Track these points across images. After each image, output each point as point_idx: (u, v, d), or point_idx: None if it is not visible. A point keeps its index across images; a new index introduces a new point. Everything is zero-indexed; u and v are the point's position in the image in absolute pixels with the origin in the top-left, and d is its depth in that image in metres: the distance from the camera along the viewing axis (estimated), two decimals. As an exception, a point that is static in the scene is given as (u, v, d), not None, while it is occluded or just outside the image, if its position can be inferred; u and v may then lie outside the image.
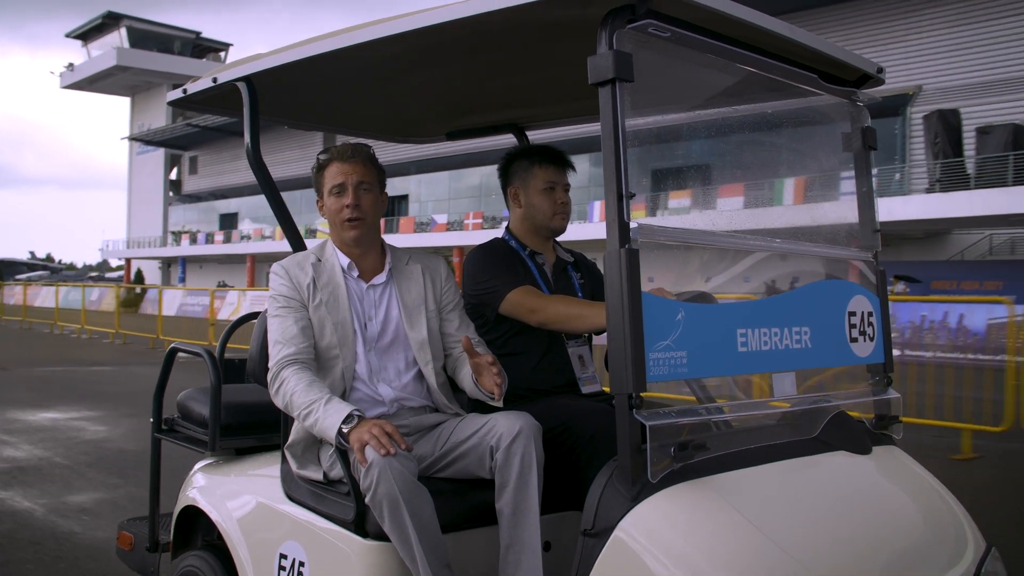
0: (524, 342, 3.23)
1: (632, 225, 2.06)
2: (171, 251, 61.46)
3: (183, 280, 59.82)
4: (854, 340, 2.67)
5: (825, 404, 2.59)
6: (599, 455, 2.76)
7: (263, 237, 51.38)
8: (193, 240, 59.52)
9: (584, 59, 2.09)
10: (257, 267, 52.21)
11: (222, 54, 75.88)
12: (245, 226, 57.07)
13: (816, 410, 2.55)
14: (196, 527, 3.48)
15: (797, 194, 2.78)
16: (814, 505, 2.27)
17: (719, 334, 2.26)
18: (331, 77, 3.26)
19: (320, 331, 2.85)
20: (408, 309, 2.95)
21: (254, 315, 4.33)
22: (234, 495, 3.16)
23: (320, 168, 2.97)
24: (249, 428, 3.38)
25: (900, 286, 19.91)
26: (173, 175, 70.32)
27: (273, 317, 2.86)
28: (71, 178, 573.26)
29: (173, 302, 32.07)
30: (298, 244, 3.13)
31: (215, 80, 3.19)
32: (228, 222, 61.30)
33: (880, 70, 2.76)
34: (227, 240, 55.46)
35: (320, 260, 2.95)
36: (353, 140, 3.16)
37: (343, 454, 2.67)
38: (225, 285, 47.19)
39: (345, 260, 2.95)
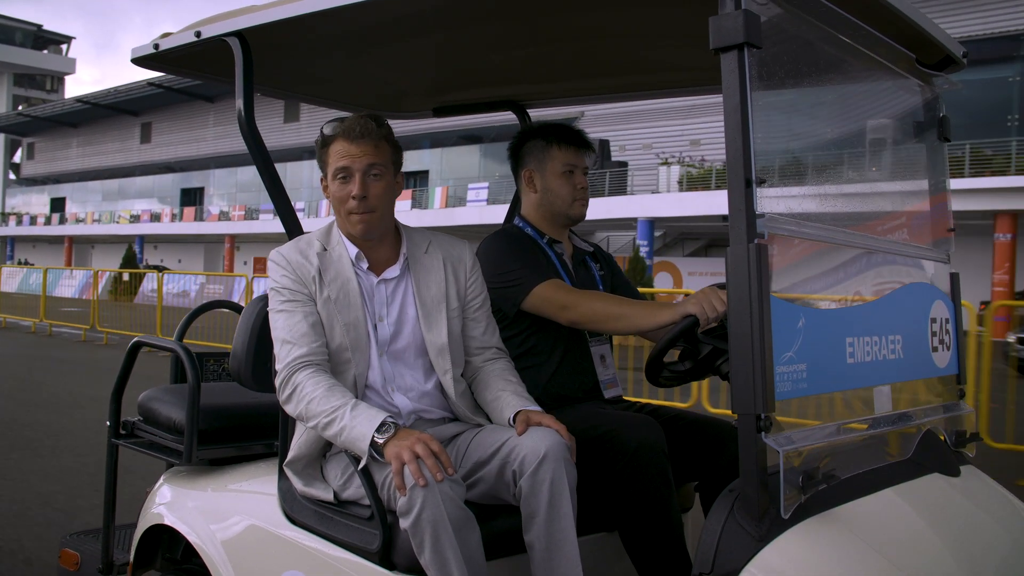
0: (544, 340, 2.89)
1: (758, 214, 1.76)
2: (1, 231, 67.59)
3: (11, 259, 64.65)
4: (934, 349, 2.43)
5: (910, 422, 2.34)
6: (642, 471, 2.46)
7: (77, 220, 57.91)
8: (19, 221, 65.09)
9: (607, 32, 1.79)
10: (76, 248, 59.49)
11: (63, 46, 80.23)
12: (70, 210, 63.29)
13: (905, 428, 2.30)
14: (157, 547, 3.04)
15: (876, 185, 2.51)
16: (937, 537, 2.00)
17: (831, 343, 1.97)
18: (322, 40, 2.87)
19: (329, 331, 2.45)
20: (426, 307, 2.53)
21: (214, 304, 3.88)
22: (217, 514, 2.73)
23: (324, 144, 2.52)
24: (226, 435, 2.95)
25: None
26: (18, 158, 74.99)
27: (277, 312, 2.45)
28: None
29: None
30: (294, 228, 2.70)
31: (198, 34, 2.75)
32: (58, 205, 66.72)
33: (965, 54, 2.51)
34: (47, 222, 61.29)
35: (326, 249, 2.53)
36: (348, 112, 2.70)
37: (366, 472, 2.30)
38: (24, 263, 55.13)
39: (353, 250, 2.53)
